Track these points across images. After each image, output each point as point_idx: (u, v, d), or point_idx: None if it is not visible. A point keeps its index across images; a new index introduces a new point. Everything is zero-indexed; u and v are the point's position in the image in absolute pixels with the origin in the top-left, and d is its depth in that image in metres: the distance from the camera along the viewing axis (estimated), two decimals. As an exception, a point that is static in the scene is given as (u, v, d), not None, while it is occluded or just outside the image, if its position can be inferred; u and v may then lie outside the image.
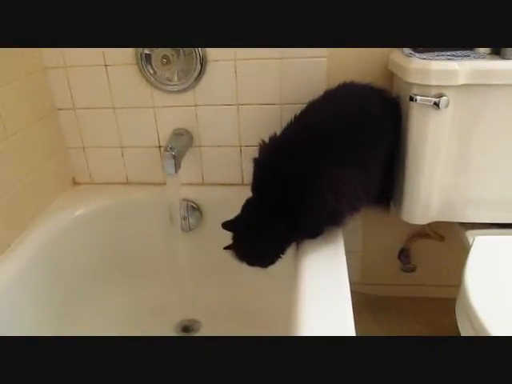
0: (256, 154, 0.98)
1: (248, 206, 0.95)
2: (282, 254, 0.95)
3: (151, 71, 1.20)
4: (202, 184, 1.35)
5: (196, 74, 1.18)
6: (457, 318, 0.92)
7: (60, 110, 1.29)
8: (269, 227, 0.91)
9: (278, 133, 0.99)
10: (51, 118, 1.27)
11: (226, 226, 0.96)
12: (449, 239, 1.29)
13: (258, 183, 0.96)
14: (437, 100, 0.93)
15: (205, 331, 1.33)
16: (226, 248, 0.96)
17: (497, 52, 0.97)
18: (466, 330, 0.87)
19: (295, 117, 1.01)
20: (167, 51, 1.17)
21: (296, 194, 0.88)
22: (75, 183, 1.40)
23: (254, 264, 0.95)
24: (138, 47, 1.17)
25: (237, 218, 0.95)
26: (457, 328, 0.91)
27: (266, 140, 0.98)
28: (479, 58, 0.95)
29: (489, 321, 0.79)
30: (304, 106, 1.04)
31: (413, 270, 1.41)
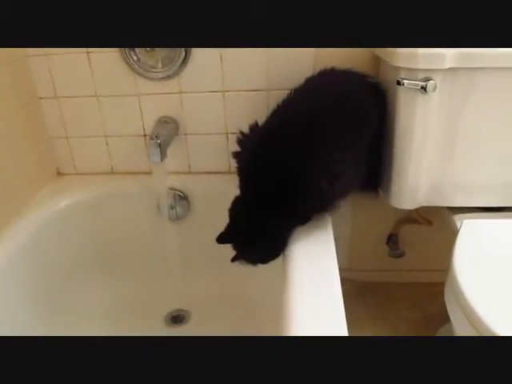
0: (236, 147, 0.95)
1: (238, 207, 0.92)
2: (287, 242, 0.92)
3: (135, 58, 1.18)
4: (189, 172, 1.33)
5: (181, 60, 1.16)
6: (446, 301, 0.93)
7: (42, 98, 1.26)
8: (268, 224, 0.88)
9: (260, 121, 0.98)
10: (33, 107, 1.24)
11: (222, 240, 0.92)
12: (437, 224, 1.29)
13: (247, 177, 0.93)
14: (424, 84, 0.93)
15: (195, 321, 1.32)
16: (233, 260, 0.92)
17: (483, 35, 0.97)
18: (455, 314, 0.88)
19: (278, 106, 1.00)
20: (151, 37, 1.15)
21: (289, 183, 0.86)
22: (59, 174, 1.38)
23: (267, 261, 0.92)
24: (127, 47, 1.16)
25: (230, 226, 0.91)
26: (446, 312, 0.91)
27: (245, 131, 0.96)
28: (466, 41, 0.95)
29: (478, 303, 0.80)
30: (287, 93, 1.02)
31: (401, 255, 1.42)
